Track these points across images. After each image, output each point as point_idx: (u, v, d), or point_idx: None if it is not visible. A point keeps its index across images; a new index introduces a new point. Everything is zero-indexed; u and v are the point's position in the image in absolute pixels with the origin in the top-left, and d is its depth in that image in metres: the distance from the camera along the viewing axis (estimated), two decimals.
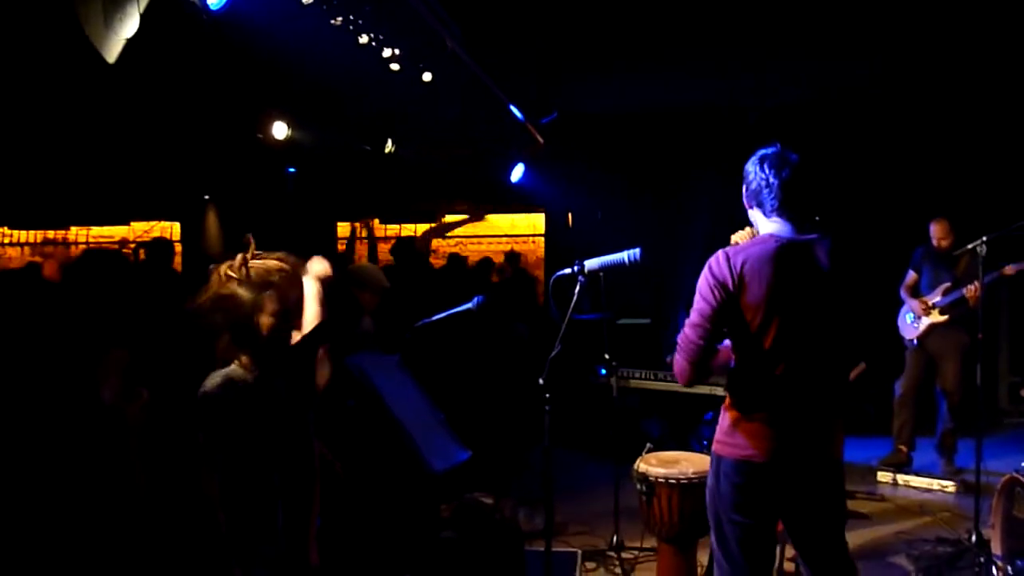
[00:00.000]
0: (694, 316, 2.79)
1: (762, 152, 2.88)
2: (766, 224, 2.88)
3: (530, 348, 6.93)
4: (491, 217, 12.86)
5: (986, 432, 5.40)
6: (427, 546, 3.98)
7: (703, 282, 2.79)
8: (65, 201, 11.47)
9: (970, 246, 4.96)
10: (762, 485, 2.80)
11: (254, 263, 2.62)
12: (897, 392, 6.69)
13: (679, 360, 2.81)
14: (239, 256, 2.61)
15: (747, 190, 2.91)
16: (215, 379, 2.59)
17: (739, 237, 3.08)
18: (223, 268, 2.59)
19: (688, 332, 2.79)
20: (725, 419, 2.89)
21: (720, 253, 2.81)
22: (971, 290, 5.97)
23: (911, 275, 6.71)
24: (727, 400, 2.90)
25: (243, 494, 2.58)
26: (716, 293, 2.75)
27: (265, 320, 2.57)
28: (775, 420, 2.79)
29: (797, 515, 2.91)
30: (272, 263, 2.65)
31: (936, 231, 6.52)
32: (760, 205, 2.87)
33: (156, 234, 13.24)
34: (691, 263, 8.55)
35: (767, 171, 2.82)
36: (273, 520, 2.62)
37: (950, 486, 6.13)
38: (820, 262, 2.78)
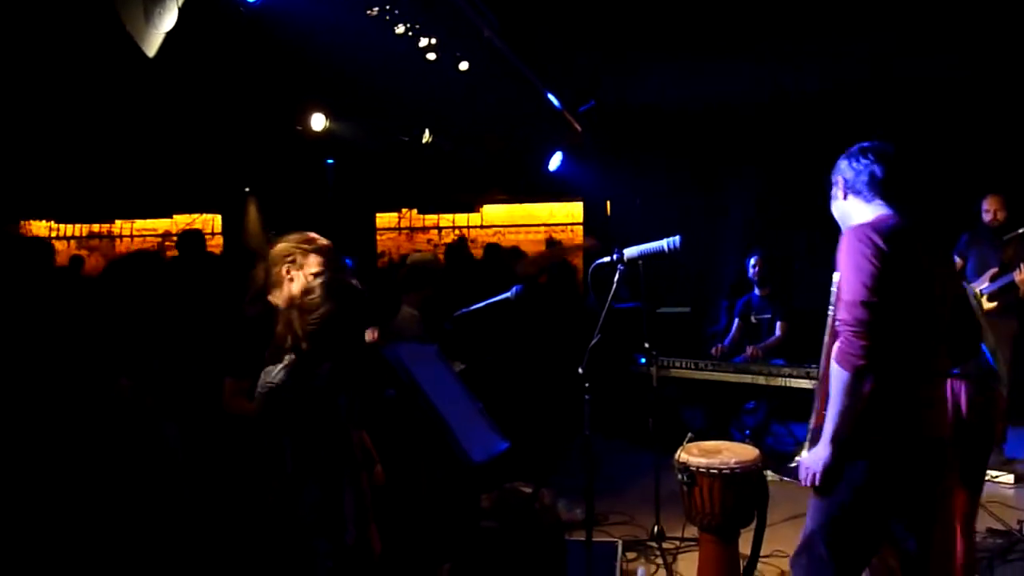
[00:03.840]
0: (858, 292, 2.64)
1: (861, 145, 2.94)
2: (868, 208, 2.89)
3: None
4: (529, 206, 12.82)
5: None
6: (467, 536, 3.98)
7: (857, 254, 2.69)
8: (110, 195, 11.66)
9: (1020, 231, 4.84)
10: (896, 472, 2.74)
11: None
12: None
13: (852, 343, 2.64)
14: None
15: (845, 181, 2.94)
16: (278, 372, 2.72)
17: None
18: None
19: (856, 312, 2.64)
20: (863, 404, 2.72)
21: (860, 227, 2.77)
22: (1020, 275, 5.85)
23: (956, 261, 6.59)
24: (869, 384, 2.70)
25: (314, 482, 2.68)
26: (878, 262, 2.65)
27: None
28: (905, 402, 2.75)
29: (913, 503, 2.85)
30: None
31: (991, 204, 6.40)
32: (859, 193, 2.91)
33: (198, 226, 13.42)
34: (731, 251, 8.50)
35: (871, 160, 2.89)
36: (339, 508, 2.70)
37: (1000, 476, 6.01)
38: (934, 243, 2.85)
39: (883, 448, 2.72)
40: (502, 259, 8.84)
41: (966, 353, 3.04)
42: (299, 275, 3.46)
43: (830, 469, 2.74)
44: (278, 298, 3.48)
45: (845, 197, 2.96)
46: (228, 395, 3.30)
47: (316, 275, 3.36)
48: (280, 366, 2.74)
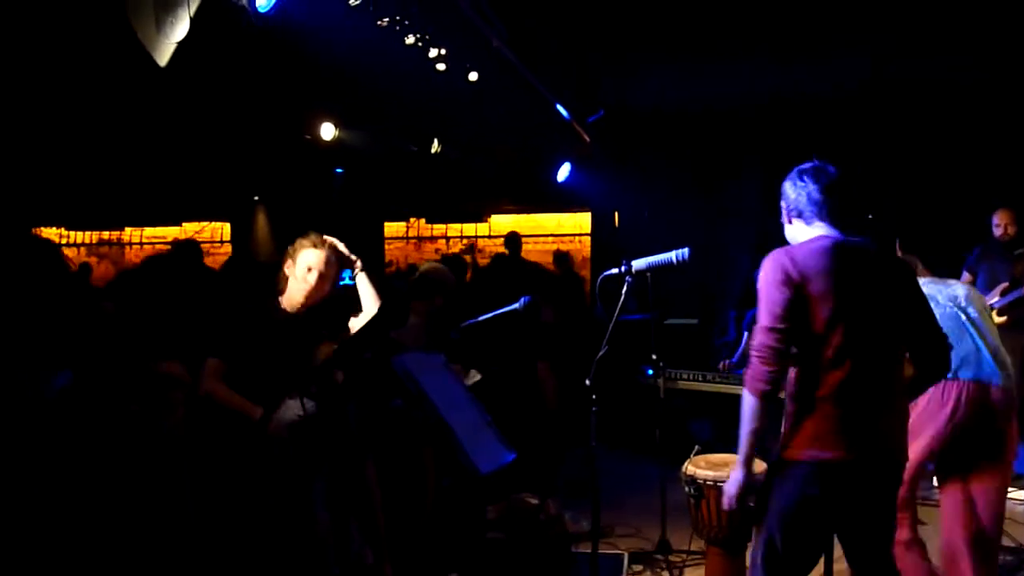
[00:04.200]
0: (765, 319, 2.73)
1: (799, 168, 2.93)
2: (809, 231, 2.89)
3: (555, 332, 6.81)
4: (537, 217, 12.83)
5: None
6: (474, 546, 3.97)
7: (767, 282, 2.75)
8: (119, 202, 11.70)
9: None
10: (839, 487, 2.73)
11: None
12: None
13: (758, 369, 2.72)
14: None
15: (787, 205, 2.94)
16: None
17: None
18: None
19: (763, 338, 2.72)
20: (794, 422, 2.80)
21: (775, 253, 2.79)
22: None
23: (965, 276, 6.57)
24: (791, 406, 2.82)
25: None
26: (786, 289, 2.71)
27: None
28: (847, 419, 2.71)
29: (861, 519, 2.84)
30: None
31: (1001, 218, 6.39)
32: (800, 216, 2.90)
33: (207, 235, 13.45)
34: (740, 263, 8.47)
35: (805, 181, 2.88)
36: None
37: (1012, 492, 5.96)
38: (875, 262, 2.82)
39: (802, 467, 2.74)
40: (512, 269, 8.83)
41: (933, 364, 2.95)
42: (293, 271, 3.50)
43: (745, 490, 2.85)
44: (285, 300, 3.52)
45: (790, 221, 2.97)
46: (208, 374, 3.32)
47: (307, 268, 3.44)
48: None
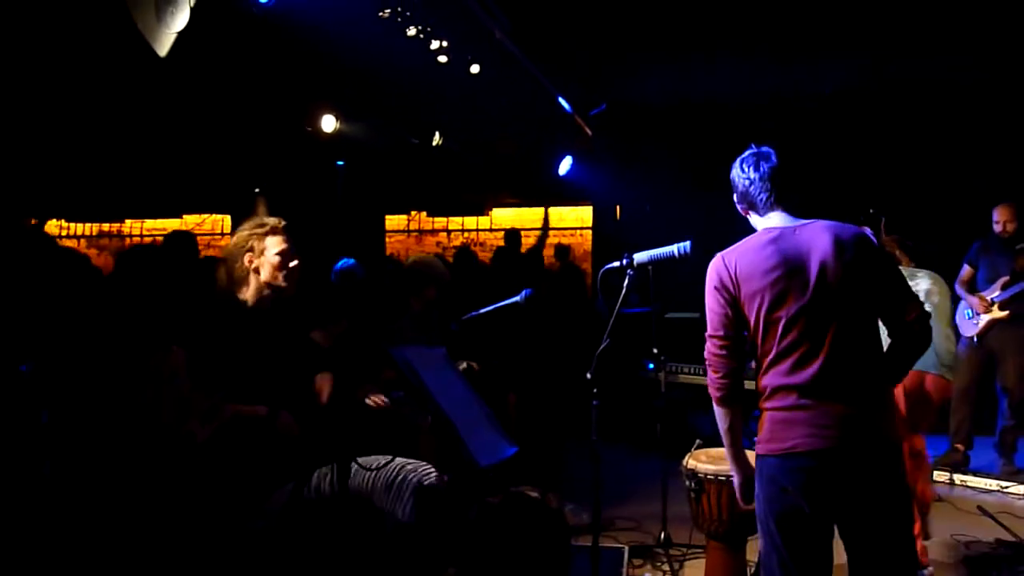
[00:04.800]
0: (708, 326, 2.78)
1: (740, 157, 2.87)
2: (764, 222, 2.84)
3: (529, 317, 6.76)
4: (538, 210, 12.79)
5: None
6: (473, 539, 3.96)
7: (707, 288, 2.79)
8: (120, 194, 11.68)
9: None
10: (807, 478, 2.63)
11: None
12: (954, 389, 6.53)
13: (709, 377, 2.80)
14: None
15: (736, 196, 2.89)
16: None
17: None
18: None
19: (707, 346, 2.77)
20: (761, 421, 2.79)
21: (716, 256, 2.80)
22: None
23: (966, 269, 6.56)
24: (760, 403, 2.80)
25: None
26: (720, 296, 2.74)
27: None
28: (799, 409, 2.64)
29: (854, 512, 2.67)
30: None
31: (1001, 215, 6.37)
32: (753, 207, 2.85)
33: (208, 227, 13.44)
34: None
35: (747, 170, 2.82)
36: None
37: (1010, 487, 5.96)
38: (821, 242, 2.67)
39: (768, 461, 2.72)
40: (514, 262, 8.83)
41: (908, 333, 2.71)
42: (262, 260, 3.41)
43: (746, 487, 2.90)
44: (247, 294, 3.43)
45: (746, 215, 2.92)
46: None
47: (279, 254, 3.33)
48: None
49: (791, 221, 2.78)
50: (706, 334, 2.79)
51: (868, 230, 2.77)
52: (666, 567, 4.63)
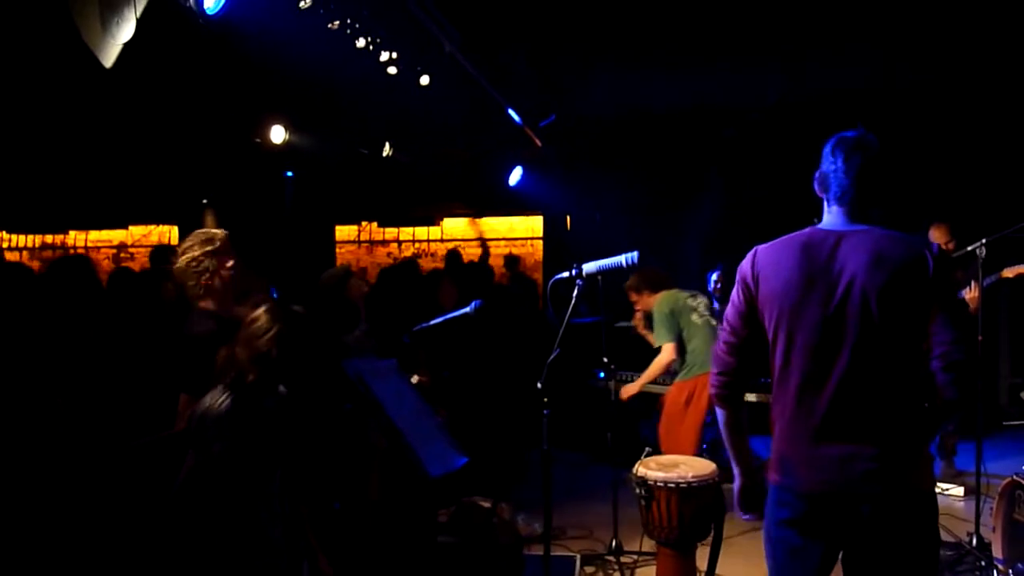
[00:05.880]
0: (725, 317, 2.59)
1: (840, 135, 2.48)
2: (824, 217, 2.51)
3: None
4: (489, 220, 12.82)
5: (986, 435, 5.37)
6: (425, 551, 3.96)
7: (736, 280, 2.58)
8: (63, 205, 11.45)
9: (969, 248, 4.93)
10: (809, 521, 2.39)
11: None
12: None
13: (712, 373, 2.62)
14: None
15: (817, 175, 2.52)
16: (222, 399, 2.68)
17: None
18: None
19: (720, 335, 2.60)
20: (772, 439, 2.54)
21: (754, 248, 2.54)
22: (970, 293, 5.94)
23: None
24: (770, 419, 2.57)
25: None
26: (740, 290, 2.51)
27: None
28: (800, 442, 2.39)
29: (865, 562, 2.39)
30: None
31: (935, 236, 6.46)
32: (826, 191, 2.49)
33: (154, 239, 13.23)
34: (692, 265, 8.55)
35: (837, 157, 2.44)
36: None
37: (950, 489, 6.11)
38: (858, 256, 2.33)
39: (773, 491, 2.49)
40: (462, 273, 8.83)
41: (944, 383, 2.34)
42: (222, 273, 3.41)
43: (745, 491, 2.65)
44: (211, 304, 3.42)
45: (821, 194, 2.53)
46: (183, 410, 3.25)
47: (231, 268, 3.36)
48: (222, 395, 2.68)
49: (843, 225, 2.43)
50: (719, 326, 2.64)
51: (936, 246, 2.35)
52: (617, 574, 4.67)
